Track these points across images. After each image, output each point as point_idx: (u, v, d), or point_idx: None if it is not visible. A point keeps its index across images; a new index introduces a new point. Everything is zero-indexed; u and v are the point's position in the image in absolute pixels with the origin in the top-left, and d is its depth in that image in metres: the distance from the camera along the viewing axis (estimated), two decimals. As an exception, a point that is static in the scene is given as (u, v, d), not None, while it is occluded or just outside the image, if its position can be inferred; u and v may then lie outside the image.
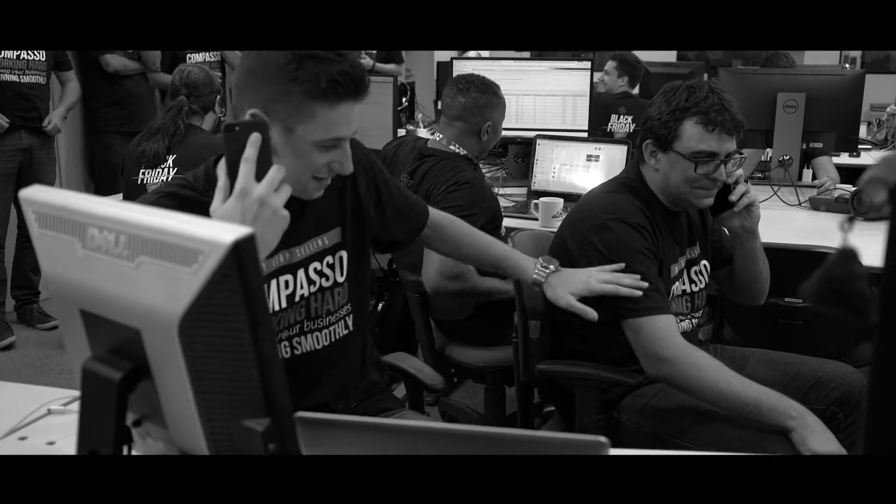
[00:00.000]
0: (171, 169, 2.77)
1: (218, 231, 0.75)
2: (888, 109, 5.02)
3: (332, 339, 1.53)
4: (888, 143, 4.93)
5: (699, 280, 1.91)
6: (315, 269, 1.49)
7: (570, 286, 1.67)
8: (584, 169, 2.93)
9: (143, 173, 2.79)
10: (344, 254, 1.52)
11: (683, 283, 1.87)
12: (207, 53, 4.58)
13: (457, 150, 2.46)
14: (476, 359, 2.42)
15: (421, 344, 2.46)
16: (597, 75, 4.28)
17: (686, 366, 1.63)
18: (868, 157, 4.23)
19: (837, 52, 8.81)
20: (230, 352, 0.78)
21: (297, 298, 1.47)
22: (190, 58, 4.44)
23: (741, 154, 1.77)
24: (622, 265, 1.70)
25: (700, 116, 1.70)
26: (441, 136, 2.48)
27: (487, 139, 2.51)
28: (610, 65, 4.80)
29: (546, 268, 1.72)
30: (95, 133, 4.54)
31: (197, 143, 2.80)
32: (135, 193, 2.77)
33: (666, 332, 1.67)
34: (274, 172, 1.21)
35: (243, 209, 1.19)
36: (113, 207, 0.85)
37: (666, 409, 1.73)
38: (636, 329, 1.68)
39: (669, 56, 8.62)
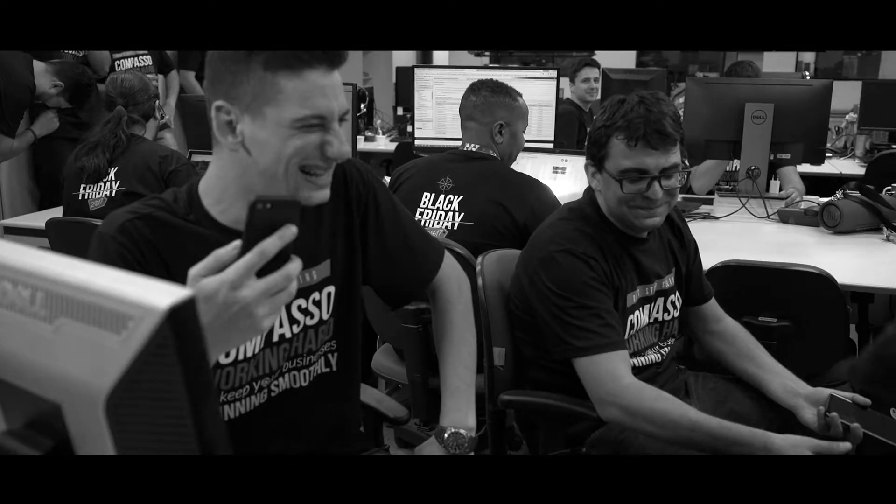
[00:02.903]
0: (113, 182, 2.62)
1: (151, 293, 0.63)
2: (847, 117, 5.04)
3: (310, 379, 1.37)
4: (847, 151, 4.95)
5: (672, 310, 1.81)
6: (299, 308, 1.32)
7: None
8: (551, 181, 2.84)
9: (85, 189, 2.64)
10: (332, 289, 1.35)
11: (657, 312, 1.77)
12: (136, 58, 4.38)
13: (489, 153, 2.39)
14: None
15: (413, 382, 2.25)
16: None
17: (632, 409, 1.53)
18: (830, 166, 4.22)
19: (794, 60, 8.90)
20: (167, 433, 0.66)
21: (275, 338, 1.30)
22: (119, 65, 4.24)
23: (684, 167, 1.66)
24: None
25: (623, 132, 1.59)
26: (474, 146, 2.40)
27: (504, 142, 2.41)
28: None
29: (446, 438, 1.39)
30: (41, 138, 4.30)
31: (139, 153, 2.66)
32: (76, 210, 2.62)
33: (615, 372, 1.55)
34: (278, 278, 0.98)
35: (221, 301, 0.96)
36: (30, 257, 0.72)
37: (639, 443, 1.63)
38: (584, 370, 1.58)
39: (629, 62, 8.63)
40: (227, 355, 1.23)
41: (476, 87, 2.45)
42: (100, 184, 2.62)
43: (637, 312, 1.71)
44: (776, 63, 8.00)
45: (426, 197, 2.34)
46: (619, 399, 1.54)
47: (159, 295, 0.63)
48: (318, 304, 1.34)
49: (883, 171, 3.75)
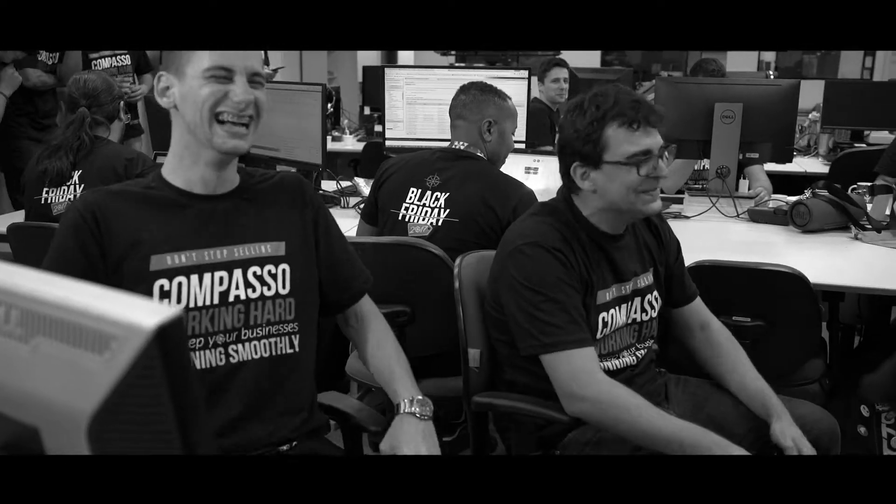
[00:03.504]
0: (77, 186, 2.55)
1: (137, 311, 0.60)
2: (810, 116, 5.10)
3: (273, 353, 1.45)
4: (811, 150, 5.01)
5: (650, 310, 1.79)
6: (255, 274, 1.45)
7: (411, 440, 1.44)
8: (523, 181, 2.82)
9: (47, 192, 2.56)
10: (286, 267, 1.48)
11: (634, 312, 1.76)
12: (115, 58, 4.27)
13: (476, 153, 2.38)
14: (447, 390, 2.23)
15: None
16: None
17: (605, 405, 1.53)
18: (794, 165, 4.27)
19: (756, 59, 9.02)
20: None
21: (231, 298, 1.43)
22: (96, 64, 4.14)
23: (670, 146, 1.69)
24: None
25: (620, 119, 1.59)
26: (462, 143, 2.40)
27: (493, 141, 2.41)
28: None
29: (413, 405, 1.49)
30: (6, 139, 4.17)
31: (104, 156, 2.58)
32: (39, 215, 2.55)
33: (584, 368, 1.56)
34: None
35: None
36: (2, 272, 0.69)
37: (612, 444, 1.62)
38: (554, 365, 1.58)
39: (594, 62, 8.67)
40: (179, 301, 1.39)
41: (466, 87, 2.46)
42: (63, 187, 2.55)
43: (612, 311, 1.70)
44: (739, 62, 8.10)
45: (412, 192, 2.33)
46: (591, 392, 1.53)
47: (145, 313, 0.60)
48: (273, 276, 1.47)
49: (846, 170, 3.80)
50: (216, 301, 1.41)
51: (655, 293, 1.79)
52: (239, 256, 1.44)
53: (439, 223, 2.27)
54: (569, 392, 1.56)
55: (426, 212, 2.30)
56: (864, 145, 4.77)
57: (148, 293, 1.36)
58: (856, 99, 4.81)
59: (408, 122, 3.18)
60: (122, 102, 2.74)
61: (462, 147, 2.39)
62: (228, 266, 1.43)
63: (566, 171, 1.68)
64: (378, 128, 5.24)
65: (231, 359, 1.42)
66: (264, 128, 3.25)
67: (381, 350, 1.61)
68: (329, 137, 5.11)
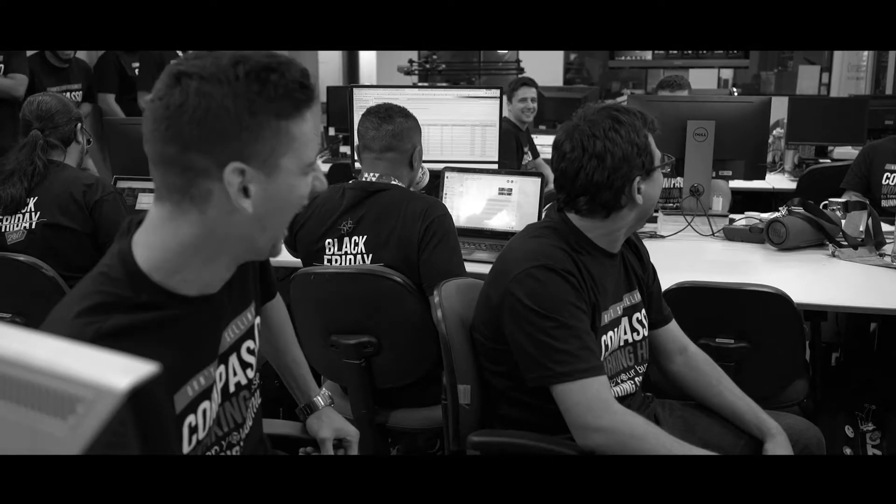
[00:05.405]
0: (33, 213, 2.43)
1: (106, 368, 0.52)
2: (774, 132, 5.13)
3: (254, 415, 1.29)
4: (777, 166, 5.04)
5: (640, 328, 1.74)
6: (248, 349, 1.23)
7: (333, 424, 1.55)
8: (497, 202, 2.78)
9: (1, 221, 2.44)
10: (258, 320, 1.28)
11: (625, 333, 1.70)
12: (70, 93, 4.15)
13: (399, 184, 2.20)
14: (416, 421, 2.19)
15: (357, 418, 2.14)
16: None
17: (623, 435, 1.46)
18: (762, 181, 4.27)
19: (716, 76, 9.12)
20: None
21: (231, 388, 1.19)
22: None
23: None
24: None
25: (651, 126, 1.62)
26: (374, 175, 2.19)
27: (415, 169, 2.27)
28: None
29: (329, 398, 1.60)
30: None
31: (60, 182, 2.46)
32: (-8, 245, 2.42)
33: (599, 397, 1.48)
34: None
35: None
36: (-53, 322, 0.60)
37: None
38: (566, 396, 1.49)
39: (557, 80, 8.70)
40: (204, 428, 1.11)
41: (385, 114, 2.23)
42: (18, 215, 2.43)
43: (610, 333, 1.64)
44: (698, 79, 8.17)
45: (329, 244, 2.17)
46: (609, 423, 1.46)
47: (115, 371, 0.52)
48: (254, 338, 1.26)
49: (815, 185, 3.82)
50: (218, 401, 1.16)
51: (644, 311, 1.75)
52: (231, 339, 1.18)
53: None
54: (583, 423, 1.48)
55: (349, 260, 2.14)
56: (828, 161, 4.80)
57: (178, 439, 1.00)
58: (819, 115, 4.85)
59: (378, 144, 3.10)
60: (79, 125, 2.61)
61: (373, 179, 2.19)
62: (224, 357, 1.17)
63: (617, 192, 1.57)
64: (343, 149, 5.16)
65: (245, 451, 1.24)
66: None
67: (283, 340, 1.58)
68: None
